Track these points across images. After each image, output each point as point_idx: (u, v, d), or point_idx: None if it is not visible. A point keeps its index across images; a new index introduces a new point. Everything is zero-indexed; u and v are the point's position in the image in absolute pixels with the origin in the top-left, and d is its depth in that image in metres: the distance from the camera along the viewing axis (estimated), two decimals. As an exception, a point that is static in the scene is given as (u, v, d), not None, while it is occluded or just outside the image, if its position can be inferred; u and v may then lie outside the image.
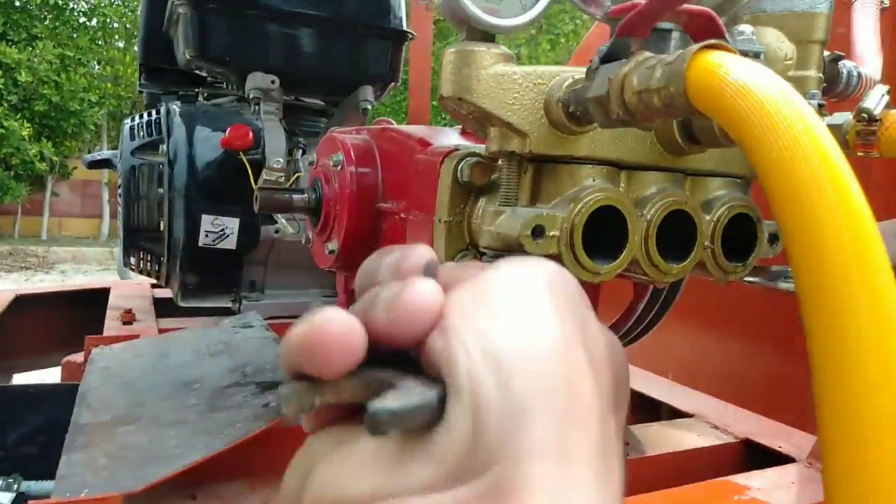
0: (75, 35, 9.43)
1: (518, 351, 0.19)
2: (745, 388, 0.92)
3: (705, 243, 0.51)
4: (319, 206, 0.74)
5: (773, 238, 0.56)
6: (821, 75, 0.55)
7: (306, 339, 0.21)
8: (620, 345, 0.26)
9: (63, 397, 0.70)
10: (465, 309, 0.21)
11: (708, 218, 0.51)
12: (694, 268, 0.53)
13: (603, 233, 0.49)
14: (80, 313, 1.42)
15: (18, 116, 8.58)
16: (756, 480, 0.64)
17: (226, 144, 1.09)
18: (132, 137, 1.19)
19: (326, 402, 0.21)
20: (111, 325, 1.09)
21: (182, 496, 0.55)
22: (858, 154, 0.48)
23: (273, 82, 1.12)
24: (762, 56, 0.45)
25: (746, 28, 0.45)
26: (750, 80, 0.28)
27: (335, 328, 0.20)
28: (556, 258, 0.46)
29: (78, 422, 0.58)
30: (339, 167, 0.71)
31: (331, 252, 0.73)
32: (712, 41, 0.31)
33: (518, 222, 0.45)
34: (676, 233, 0.51)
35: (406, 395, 0.19)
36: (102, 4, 9.75)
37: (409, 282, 0.22)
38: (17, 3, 9.30)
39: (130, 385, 0.67)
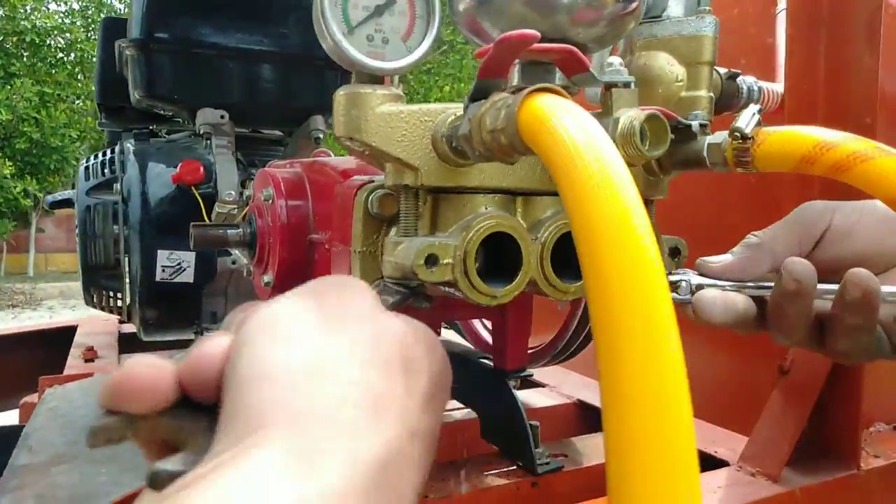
0: (53, 71, 9.46)
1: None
2: (702, 396, 0.95)
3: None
4: (254, 239, 0.76)
5: (675, 252, 0.59)
6: (711, 95, 0.58)
7: (121, 377, 0.24)
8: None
9: (13, 440, 0.71)
10: (242, 339, 0.24)
11: (605, 237, 0.54)
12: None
13: (506, 257, 0.51)
14: (49, 352, 1.43)
15: (0, 155, 8.58)
16: (683, 486, 0.66)
17: (177, 180, 1.11)
18: (87, 177, 1.21)
19: (138, 436, 0.24)
20: (72, 364, 1.10)
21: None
22: (738, 170, 0.50)
23: (223, 117, 1.15)
24: (632, 85, 0.48)
25: (615, 60, 0.48)
26: (561, 123, 0.30)
27: (144, 370, 0.24)
28: (452, 284, 0.48)
29: (15, 464, 0.59)
30: (269, 201, 0.73)
31: (266, 284, 0.75)
32: (543, 85, 0.34)
33: (412, 252, 0.47)
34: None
35: (190, 454, 0.22)
36: (80, 39, 9.79)
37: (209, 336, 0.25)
38: (-6, 43, 9.34)
39: (72, 424, 0.68)
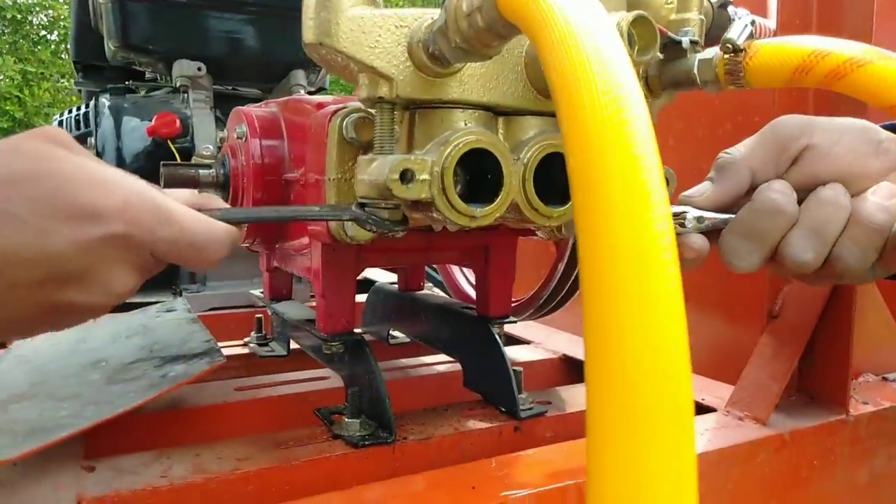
0: (36, 49, 9.28)
1: None
2: (693, 354, 0.93)
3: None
4: (228, 180, 0.73)
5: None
6: (702, 17, 0.56)
7: None
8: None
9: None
10: None
11: (590, 161, 0.51)
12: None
13: (485, 179, 0.49)
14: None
15: (-19, 134, 8.44)
16: (669, 429, 0.64)
17: (152, 133, 1.07)
18: (60, 132, 1.17)
19: None
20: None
21: (80, 468, 0.54)
22: (730, 87, 0.48)
23: (199, 69, 1.11)
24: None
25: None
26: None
27: None
28: (429, 202, 0.46)
29: (-26, 403, 0.57)
30: (243, 139, 0.70)
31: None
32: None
33: (387, 167, 0.44)
34: (560, 178, 0.51)
35: None
36: (63, 16, 9.61)
37: None
38: (-25, 20, 9.15)
39: (39, 368, 0.66)
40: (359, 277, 0.69)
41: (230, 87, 1.34)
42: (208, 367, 0.57)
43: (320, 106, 0.64)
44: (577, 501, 0.52)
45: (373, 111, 0.50)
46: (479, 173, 0.49)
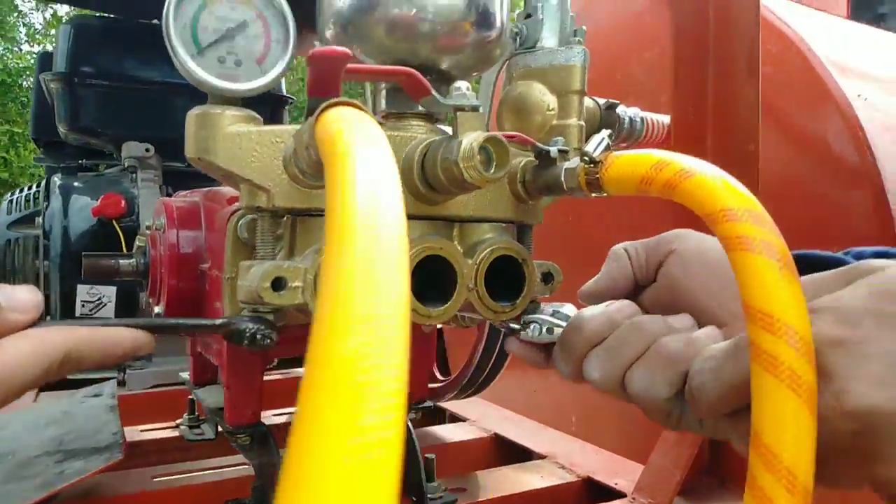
0: (24, 111, 9.40)
1: None
2: (631, 431, 0.94)
3: (469, 285, 0.53)
4: (148, 270, 0.74)
5: (547, 277, 0.59)
6: (581, 123, 0.59)
7: None
8: None
9: None
10: None
11: (471, 261, 0.53)
12: (465, 309, 0.55)
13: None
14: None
15: (-35, 195, 8.45)
16: (572, 520, 0.65)
17: (98, 213, 1.09)
18: (9, 211, 1.19)
19: None
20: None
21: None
22: (593, 195, 0.51)
23: (147, 150, 1.14)
24: (481, 109, 0.48)
25: (462, 84, 0.48)
26: (331, 127, 0.30)
27: None
28: (304, 309, 0.47)
29: None
30: (161, 230, 0.72)
31: (157, 315, 0.73)
32: (340, 99, 0.34)
33: (259, 274, 0.46)
34: (445, 278, 0.53)
35: None
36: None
37: None
38: (-35, 84, 9.30)
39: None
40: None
41: (185, 164, 1.37)
42: (103, 465, 0.58)
43: (231, 201, 0.66)
44: None
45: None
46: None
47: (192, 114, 0.48)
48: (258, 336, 0.48)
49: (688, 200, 0.43)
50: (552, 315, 0.51)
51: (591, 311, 0.47)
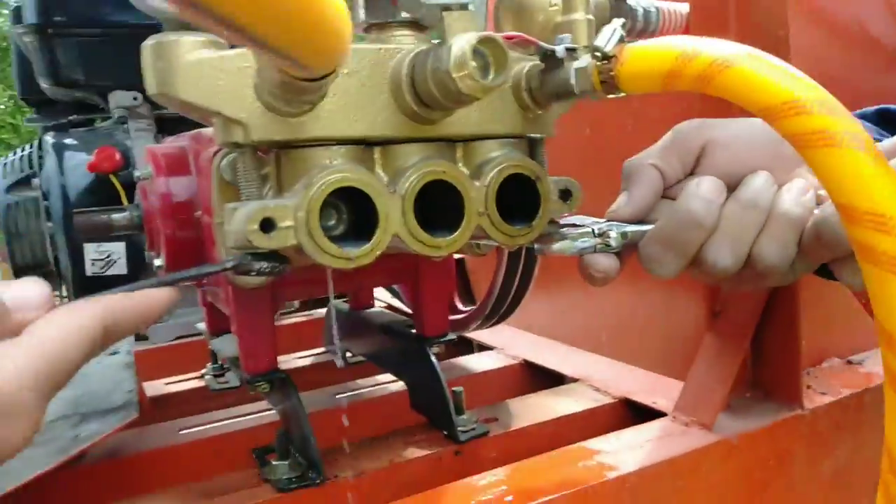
0: (28, 75, 9.33)
1: None
2: (666, 348, 0.90)
3: (479, 210, 0.48)
4: (143, 222, 0.71)
5: (566, 194, 0.53)
6: (590, 18, 0.52)
7: None
8: None
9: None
10: None
11: (478, 184, 0.48)
12: (478, 236, 0.50)
13: (370, 215, 0.46)
14: None
15: (-19, 164, 8.52)
16: (609, 443, 0.62)
17: (93, 169, 1.05)
18: (3, 175, 1.15)
19: None
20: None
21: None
22: (609, 96, 0.45)
23: (136, 99, 1.09)
24: (471, 7, 0.42)
25: (450, -23, 0.42)
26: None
27: None
28: (298, 249, 0.43)
29: None
30: (149, 179, 0.68)
31: (158, 268, 0.70)
32: None
33: (244, 217, 0.42)
34: (452, 204, 0.48)
35: None
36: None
37: None
38: (-34, 51, 9.21)
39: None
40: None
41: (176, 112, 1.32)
42: (118, 425, 0.56)
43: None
44: (496, 540, 0.50)
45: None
46: (366, 206, 0.46)
47: (147, 45, 0.43)
48: (269, 268, 0.44)
49: (729, 95, 0.37)
50: (592, 226, 0.48)
51: (691, 202, 0.45)
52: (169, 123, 1.21)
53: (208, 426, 0.76)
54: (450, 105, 0.42)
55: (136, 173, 0.96)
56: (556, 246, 0.49)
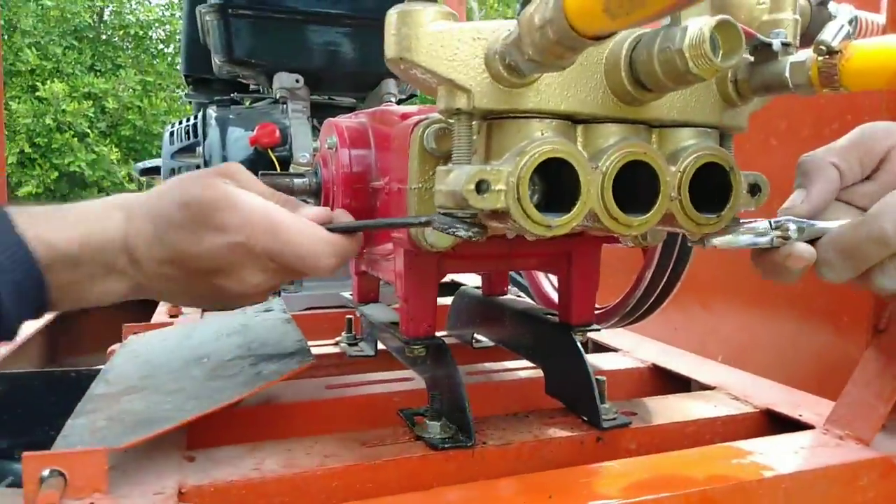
0: (155, 61, 10.01)
1: None
2: (795, 367, 0.89)
3: (671, 194, 0.50)
4: (320, 188, 0.76)
5: (754, 189, 0.54)
6: (797, 17, 0.53)
7: None
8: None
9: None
10: None
11: (674, 169, 0.50)
12: (665, 221, 0.52)
13: (565, 188, 0.49)
14: (137, 310, 1.51)
15: (108, 141, 9.19)
16: (762, 445, 0.62)
17: (254, 142, 1.13)
18: (172, 142, 1.26)
19: None
20: (156, 318, 1.16)
21: (182, 457, 0.58)
22: (824, 91, 0.46)
23: (298, 81, 1.16)
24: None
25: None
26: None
27: None
28: (505, 212, 0.46)
29: (92, 393, 0.63)
30: (333, 149, 0.73)
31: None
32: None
33: (463, 177, 0.45)
34: (645, 186, 0.50)
35: None
36: (178, 31, 10.30)
37: None
38: (104, 37, 9.98)
39: (148, 362, 0.72)
40: (446, 281, 0.70)
41: (326, 97, 1.40)
42: (298, 367, 0.60)
43: (405, 117, 0.66)
44: (656, 516, 0.51)
45: (452, 122, 0.51)
46: (558, 182, 0.49)
47: (393, 12, 0.47)
48: (465, 230, 0.48)
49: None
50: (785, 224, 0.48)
51: (886, 220, 0.45)
52: (317, 109, 1.29)
53: (352, 387, 0.81)
54: (669, 85, 0.44)
55: (300, 153, 1.03)
56: (742, 238, 0.50)
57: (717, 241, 0.51)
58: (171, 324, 1.03)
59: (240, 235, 0.52)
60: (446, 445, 0.62)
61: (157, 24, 10.27)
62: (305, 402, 0.76)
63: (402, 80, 1.30)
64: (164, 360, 0.71)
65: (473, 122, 0.49)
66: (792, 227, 0.49)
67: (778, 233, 0.49)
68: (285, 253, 0.54)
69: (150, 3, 10.39)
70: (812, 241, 0.49)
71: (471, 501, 0.50)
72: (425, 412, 0.67)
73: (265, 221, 0.54)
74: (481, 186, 0.45)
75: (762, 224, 0.50)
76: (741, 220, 0.52)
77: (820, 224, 0.49)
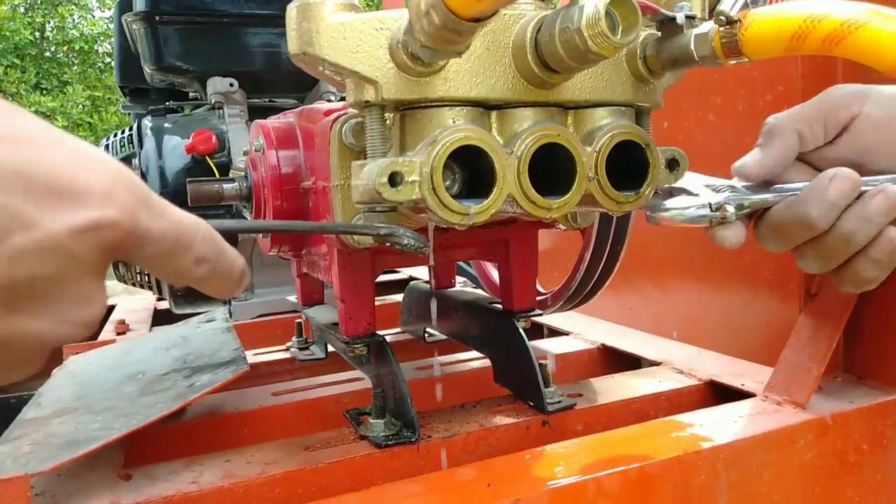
0: (103, 76, 9.77)
1: None
2: (746, 338, 0.90)
3: (589, 174, 0.50)
4: (251, 193, 0.75)
5: (672, 164, 0.54)
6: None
7: None
8: None
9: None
10: None
11: (590, 149, 0.50)
12: (585, 202, 0.52)
13: (485, 176, 0.48)
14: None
15: (59, 161, 8.93)
16: (702, 417, 0.62)
17: (191, 150, 1.11)
18: (107, 155, 1.22)
19: None
20: (103, 336, 1.13)
21: (118, 477, 0.57)
22: (730, 62, 0.46)
23: (232, 85, 1.14)
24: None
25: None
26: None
27: None
28: (421, 203, 0.46)
29: (22, 418, 0.61)
30: (261, 151, 0.72)
31: (264, 237, 0.74)
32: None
33: (375, 170, 0.45)
34: (562, 168, 0.50)
35: None
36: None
37: None
38: (48, 54, 9.70)
39: (84, 382, 0.70)
40: (404, 277, 0.69)
41: (267, 100, 1.37)
42: (232, 377, 0.59)
43: (329, 113, 0.65)
44: (595, 497, 0.51)
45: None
46: (478, 171, 0.49)
47: (293, 6, 0.46)
48: (415, 245, 0.47)
49: (859, 55, 0.38)
50: (709, 198, 0.49)
51: (811, 205, 0.46)
52: (255, 113, 1.27)
53: (299, 392, 0.80)
54: (574, 65, 0.44)
55: (238, 158, 1.02)
56: (688, 213, 0.51)
57: (665, 215, 0.51)
58: (112, 341, 1.01)
59: (107, 208, 0.27)
60: (390, 443, 0.62)
61: (102, 38, 10.02)
62: (250, 411, 0.75)
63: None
64: (100, 380, 0.69)
65: (386, 115, 0.48)
66: (731, 208, 0.50)
67: (717, 214, 0.50)
68: (168, 237, 0.31)
69: (94, 16, 10.14)
70: (757, 213, 0.50)
71: (407, 498, 0.50)
72: (370, 411, 0.67)
73: (140, 189, 0.31)
74: (394, 179, 0.45)
75: (705, 198, 0.50)
76: (689, 189, 0.52)
77: (762, 196, 0.50)
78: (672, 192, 0.52)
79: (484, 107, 0.49)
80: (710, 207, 0.50)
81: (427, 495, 0.50)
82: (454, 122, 0.47)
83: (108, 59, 10.21)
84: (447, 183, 0.50)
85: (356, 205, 0.49)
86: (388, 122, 0.50)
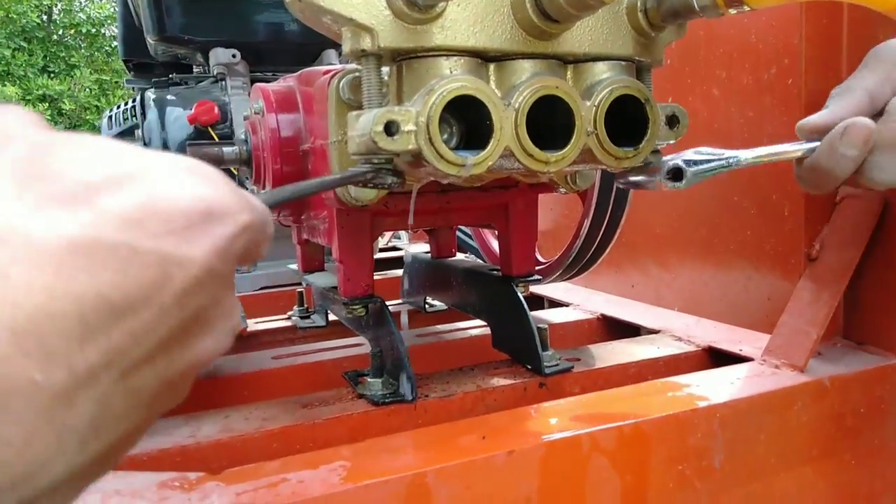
0: (110, 59, 9.77)
1: None
2: (747, 311, 0.90)
3: (587, 129, 0.50)
4: (251, 157, 0.75)
5: (672, 120, 0.54)
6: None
7: None
8: None
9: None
10: None
11: (589, 103, 0.50)
12: (583, 157, 0.51)
13: (483, 128, 0.48)
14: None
15: (66, 144, 8.96)
16: (699, 378, 0.62)
17: (193, 121, 1.11)
18: (110, 126, 1.23)
19: None
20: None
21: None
22: (731, 11, 0.46)
23: (234, 56, 1.14)
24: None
25: None
26: None
27: None
28: (417, 153, 0.45)
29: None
30: (261, 114, 0.72)
31: (264, 198, 0.74)
32: None
33: (371, 119, 0.44)
34: (561, 122, 0.50)
35: None
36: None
37: None
38: (55, 37, 9.71)
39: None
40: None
41: (268, 72, 1.37)
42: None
43: (327, 73, 0.64)
44: (590, 451, 0.51)
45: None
46: (477, 124, 0.49)
47: (289, -46, 0.45)
48: (397, 180, 0.47)
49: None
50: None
51: (847, 148, 0.49)
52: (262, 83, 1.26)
53: (299, 356, 0.80)
54: (572, 12, 0.44)
55: (240, 130, 1.01)
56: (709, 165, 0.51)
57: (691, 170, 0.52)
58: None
59: (243, 214, 0.26)
60: (387, 400, 0.62)
61: (109, 21, 10.01)
62: (250, 373, 0.75)
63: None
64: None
65: (383, 66, 0.48)
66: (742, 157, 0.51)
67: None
68: (258, 226, 0.27)
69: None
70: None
71: (401, 449, 0.50)
72: (369, 373, 0.67)
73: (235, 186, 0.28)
74: (390, 128, 0.44)
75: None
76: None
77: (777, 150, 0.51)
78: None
79: (482, 58, 0.49)
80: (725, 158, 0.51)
81: (421, 447, 0.50)
82: (451, 72, 0.47)
83: (115, 43, 10.20)
84: (444, 136, 0.49)
85: (352, 156, 0.49)
86: (384, 76, 0.49)
